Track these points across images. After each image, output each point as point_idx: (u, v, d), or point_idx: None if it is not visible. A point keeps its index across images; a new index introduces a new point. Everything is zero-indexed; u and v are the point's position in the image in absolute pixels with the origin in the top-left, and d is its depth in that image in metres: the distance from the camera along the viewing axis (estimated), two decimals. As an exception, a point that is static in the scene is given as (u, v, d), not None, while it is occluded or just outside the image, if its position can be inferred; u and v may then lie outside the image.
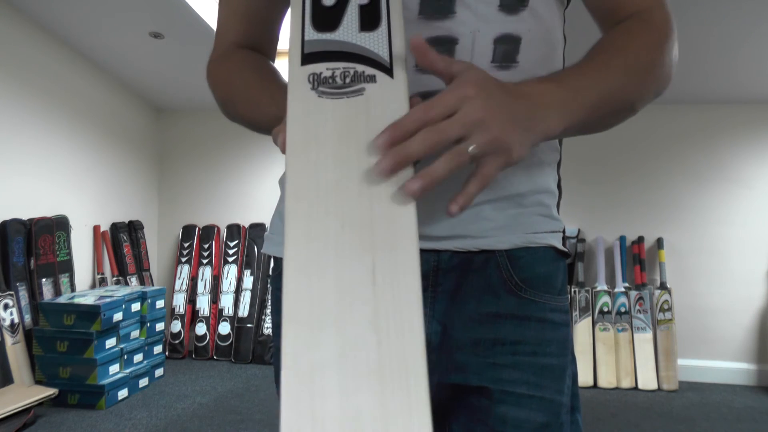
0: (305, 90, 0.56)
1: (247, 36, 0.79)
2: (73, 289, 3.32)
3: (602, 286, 3.69)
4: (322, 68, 0.56)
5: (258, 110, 0.70)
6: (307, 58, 0.57)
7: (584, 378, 3.51)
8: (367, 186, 0.51)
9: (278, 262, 0.81)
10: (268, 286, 4.00)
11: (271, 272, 0.88)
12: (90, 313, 2.94)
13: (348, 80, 0.56)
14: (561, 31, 0.75)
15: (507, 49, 0.69)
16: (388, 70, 0.56)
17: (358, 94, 0.55)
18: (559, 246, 0.73)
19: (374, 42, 0.58)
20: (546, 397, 0.69)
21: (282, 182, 0.81)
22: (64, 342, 2.95)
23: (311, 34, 0.58)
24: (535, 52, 0.70)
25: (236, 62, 0.77)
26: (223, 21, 0.81)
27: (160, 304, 3.51)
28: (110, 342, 3.05)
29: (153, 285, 4.05)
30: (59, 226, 3.27)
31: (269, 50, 0.82)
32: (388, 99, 0.55)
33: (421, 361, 0.44)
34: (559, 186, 0.77)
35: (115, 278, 3.76)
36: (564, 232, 0.76)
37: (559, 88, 0.58)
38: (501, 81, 0.55)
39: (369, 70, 0.56)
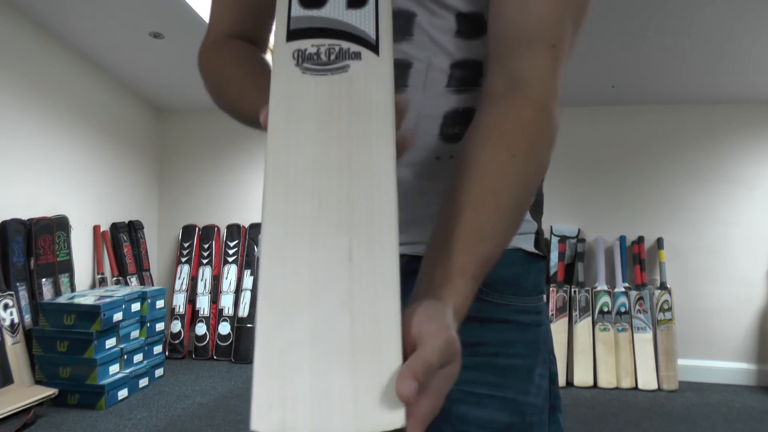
0: (289, 66, 0.55)
1: (239, 26, 0.79)
2: (73, 289, 3.32)
3: (602, 286, 3.69)
4: (308, 45, 0.56)
5: (246, 101, 0.69)
6: (293, 34, 0.56)
7: (584, 378, 3.51)
8: (347, 165, 0.50)
9: None
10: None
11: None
12: (90, 313, 2.94)
13: (333, 57, 0.55)
14: None
15: (466, 73, 0.68)
16: (374, 48, 0.56)
17: (342, 71, 0.54)
18: (528, 248, 0.72)
19: (361, 19, 0.57)
20: (508, 397, 0.69)
21: None
22: (64, 342, 2.95)
23: (298, 10, 0.58)
24: None
25: (228, 52, 0.77)
26: (216, 9, 0.81)
27: (160, 304, 3.51)
28: (110, 342, 3.05)
29: (153, 285, 4.05)
30: (59, 226, 3.27)
31: (261, 42, 0.82)
32: (372, 76, 0.54)
33: (395, 342, 0.44)
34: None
35: (115, 278, 3.76)
36: (538, 233, 0.75)
37: (466, 280, 0.55)
38: (446, 319, 0.50)
39: (354, 47, 0.55)
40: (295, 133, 0.52)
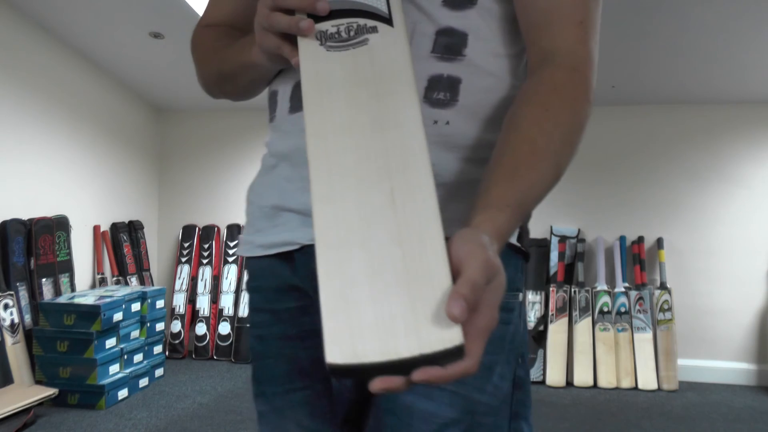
0: (314, 46, 0.61)
1: (233, 17, 0.85)
2: (73, 289, 3.32)
3: (602, 286, 3.69)
4: (328, 26, 0.62)
5: (239, 54, 0.75)
6: (314, 19, 0.62)
7: (584, 378, 3.51)
8: (379, 122, 0.56)
9: (249, 262, 0.83)
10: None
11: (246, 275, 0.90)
12: (90, 313, 2.94)
13: (352, 33, 0.61)
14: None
15: (451, 41, 0.70)
16: (388, 20, 0.62)
17: (363, 45, 0.61)
18: (510, 240, 0.71)
19: None
20: (460, 392, 0.67)
21: (250, 190, 0.85)
22: (64, 342, 2.95)
23: None
24: (486, 46, 0.71)
25: (222, 29, 0.84)
26: (213, 1, 0.88)
27: (160, 304, 3.51)
28: (110, 342, 3.05)
29: (153, 285, 4.05)
30: (59, 226, 3.27)
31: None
32: (390, 46, 0.60)
33: (444, 269, 0.48)
34: None
35: (115, 278, 3.76)
36: (522, 229, 0.73)
37: (500, 208, 0.58)
38: (481, 239, 0.52)
39: (370, 23, 0.61)
40: (327, 102, 0.58)
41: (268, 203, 0.76)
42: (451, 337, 0.45)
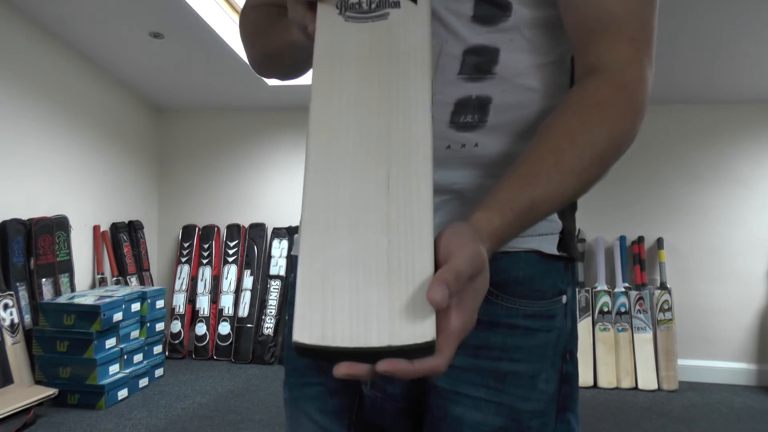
0: (333, 14, 0.59)
1: None
2: (73, 289, 3.32)
3: (602, 286, 3.69)
4: None
5: (275, 32, 0.75)
6: None
7: (584, 378, 3.51)
8: (386, 102, 0.54)
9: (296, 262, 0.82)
10: (267, 286, 4.01)
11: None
12: (90, 313, 2.94)
13: (374, 5, 0.59)
14: (561, 36, 0.70)
15: (480, 60, 0.67)
16: None
17: (383, 19, 0.58)
18: (547, 250, 0.70)
19: None
20: (505, 403, 0.68)
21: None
22: (64, 342, 2.95)
23: None
24: (521, 59, 0.68)
25: (267, 11, 0.82)
26: None
27: (160, 304, 3.51)
28: (110, 342, 3.05)
29: (153, 285, 4.05)
30: (59, 226, 3.27)
31: None
32: (411, 23, 0.58)
33: (428, 261, 0.47)
34: None
35: (115, 278, 3.76)
36: (564, 233, 0.72)
37: (502, 210, 0.56)
38: (471, 240, 0.50)
39: None
40: (337, 75, 0.56)
41: None
42: (423, 332, 0.44)
